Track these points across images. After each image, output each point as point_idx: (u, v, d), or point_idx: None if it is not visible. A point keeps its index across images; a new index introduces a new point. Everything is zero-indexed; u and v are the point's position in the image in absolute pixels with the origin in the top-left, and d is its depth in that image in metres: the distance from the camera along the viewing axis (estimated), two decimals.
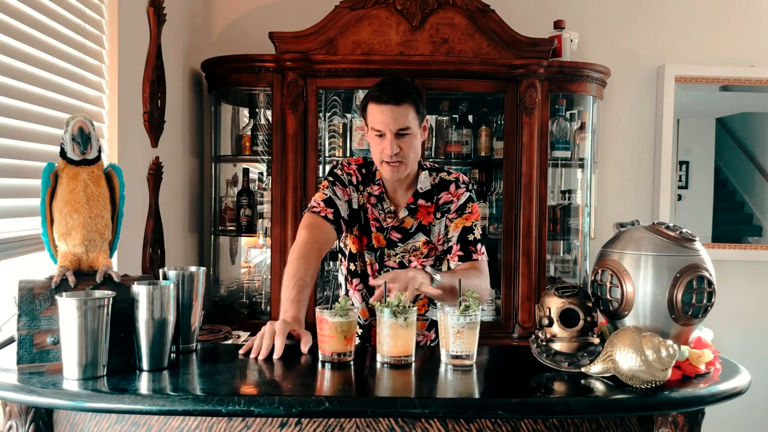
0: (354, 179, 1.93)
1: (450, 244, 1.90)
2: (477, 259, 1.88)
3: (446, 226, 1.92)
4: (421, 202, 1.92)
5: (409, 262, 1.92)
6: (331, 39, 2.85)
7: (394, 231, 1.92)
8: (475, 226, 1.90)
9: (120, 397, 1.20)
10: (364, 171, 1.95)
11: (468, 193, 1.93)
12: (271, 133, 2.90)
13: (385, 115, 1.79)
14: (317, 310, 1.44)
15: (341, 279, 2.05)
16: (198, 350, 1.52)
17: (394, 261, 1.93)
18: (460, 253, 1.88)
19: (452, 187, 1.93)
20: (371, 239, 1.93)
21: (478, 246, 1.89)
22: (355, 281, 1.96)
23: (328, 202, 1.86)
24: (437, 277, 1.69)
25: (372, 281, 1.81)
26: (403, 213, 1.92)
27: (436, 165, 2.00)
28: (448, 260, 1.92)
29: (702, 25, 3.33)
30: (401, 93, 1.80)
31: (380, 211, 1.93)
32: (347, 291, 1.99)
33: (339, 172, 1.93)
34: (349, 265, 1.97)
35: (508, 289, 2.92)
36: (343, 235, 1.96)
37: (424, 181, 1.93)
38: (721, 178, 3.44)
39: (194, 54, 3.05)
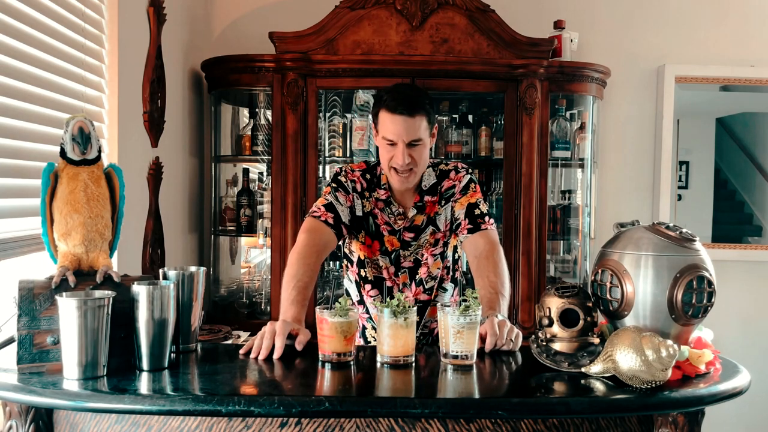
0: (359, 186, 1.94)
1: (459, 221, 1.90)
2: (486, 228, 1.87)
3: (452, 209, 1.93)
4: (427, 198, 1.94)
5: (422, 256, 1.94)
6: (331, 39, 2.85)
7: (406, 231, 1.94)
8: (480, 201, 1.91)
9: (120, 397, 1.20)
10: (368, 176, 1.95)
11: (468, 176, 1.95)
12: (271, 133, 2.90)
13: (397, 126, 1.78)
14: (317, 310, 1.44)
15: (348, 286, 2.05)
16: (198, 350, 1.52)
17: (409, 260, 1.94)
18: (469, 225, 1.87)
19: (452, 174, 1.95)
20: (384, 243, 1.93)
21: (486, 218, 1.89)
22: (368, 287, 1.97)
23: (329, 207, 1.87)
24: (503, 316, 1.66)
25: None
26: (412, 212, 1.94)
27: (434, 161, 2.02)
28: (457, 234, 1.91)
29: (702, 25, 3.33)
30: (415, 104, 1.78)
31: (389, 215, 1.93)
32: (361, 297, 1.99)
33: (342, 179, 1.93)
34: (359, 272, 1.98)
35: None
36: (347, 241, 1.97)
37: (429, 178, 1.94)
38: (721, 178, 3.44)
39: (194, 54, 3.05)
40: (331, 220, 1.85)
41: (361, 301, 1.99)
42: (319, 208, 1.87)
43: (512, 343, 1.52)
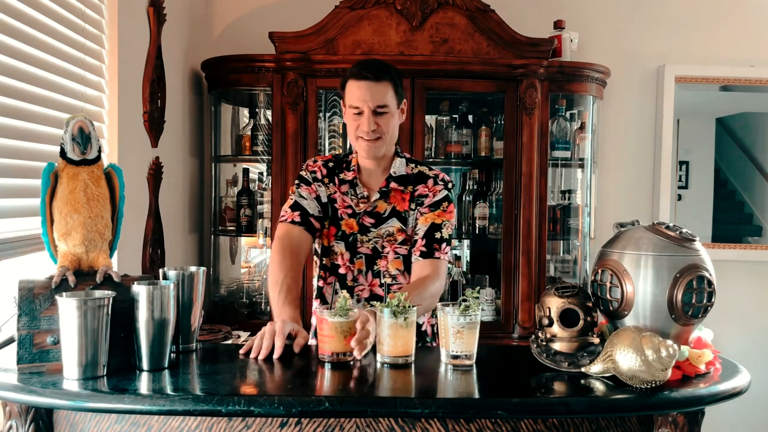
0: (319, 174, 1.92)
1: (416, 237, 1.87)
2: (438, 258, 1.84)
3: (416, 219, 1.89)
4: (393, 185, 1.90)
5: (383, 247, 1.89)
6: (331, 39, 2.85)
7: (366, 216, 1.90)
8: (445, 225, 1.87)
9: (120, 397, 1.20)
10: (331, 165, 1.94)
11: (446, 192, 1.91)
12: (271, 133, 2.90)
13: (363, 91, 1.78)
14: (317, 310, 1.44)
15: (316, 283, 1.99)
16: (198, 350, 1.52)
17: (367, 247, 1.89)
18: (423, 249, 1.84)
19: (430, 182, 1.91)
20: (340, 227, 1.90)
21: (443, 245, 1.85)
22: (327, 274, 1.93)
23: (294, 206, 1.87)
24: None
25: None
26: (375, 197, 1.90)
27: (415, 159, 1.99)
28: (412, 253, 1.88)
29: (702, 25, 3.33)
30: (380, 70, 1.80)
31: (352, 197, 1.91)
32: (321, 289, 1.93)
33: (303, 173, 1.94)
34: (321, 261, 1.94)
35: (508, 289, 2.92)
36: (319, 233, 1.92)
37: (399, 167, 1.91)
38: (721, 178, 3.44)
39: (194, 54, 3.05)
40: (297, 218, 1.85)
41: (319, 295, 1.94)
42: (286, 211, 1.88)
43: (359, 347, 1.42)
